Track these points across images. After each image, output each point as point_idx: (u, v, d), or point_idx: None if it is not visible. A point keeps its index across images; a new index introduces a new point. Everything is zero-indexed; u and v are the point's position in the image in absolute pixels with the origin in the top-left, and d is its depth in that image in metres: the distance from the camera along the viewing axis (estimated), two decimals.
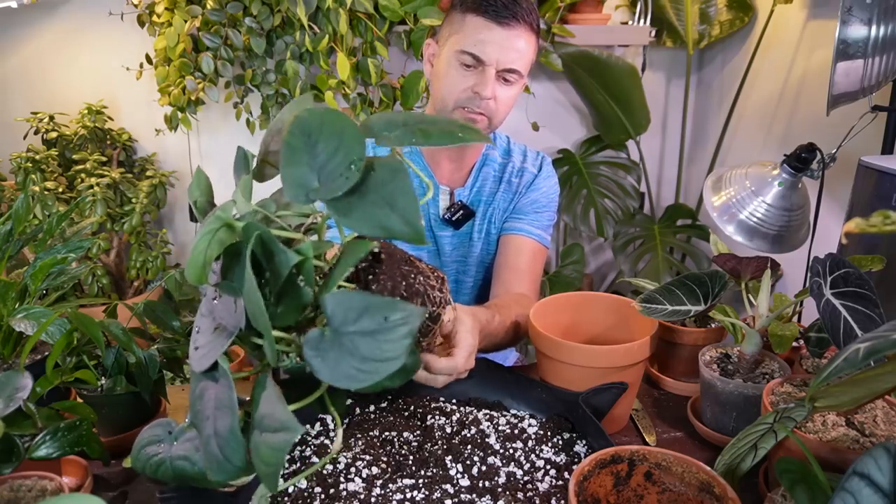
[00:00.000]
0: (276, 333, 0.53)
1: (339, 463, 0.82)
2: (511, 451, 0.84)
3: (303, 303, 0.54)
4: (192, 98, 2.10)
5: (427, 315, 0.67)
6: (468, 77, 1.15)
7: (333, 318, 0.49)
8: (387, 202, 0.50)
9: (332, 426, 0.92)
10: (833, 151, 1.36)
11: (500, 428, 0.89)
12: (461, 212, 1.27)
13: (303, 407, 0.58)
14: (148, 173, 2.27)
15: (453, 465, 0.81)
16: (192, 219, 2.43)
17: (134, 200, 2.16)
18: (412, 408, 0.95)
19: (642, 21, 2.21)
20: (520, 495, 0.76)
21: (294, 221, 0.61)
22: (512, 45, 1.13)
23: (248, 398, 0.55)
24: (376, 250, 0.66)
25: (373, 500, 0.76)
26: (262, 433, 0.50)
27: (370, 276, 0.64)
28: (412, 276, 0.66)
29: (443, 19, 1.24)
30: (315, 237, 0.61)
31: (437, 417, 0.91)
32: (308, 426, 0.92)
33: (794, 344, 1.08)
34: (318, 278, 0.60)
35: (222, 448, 0.51)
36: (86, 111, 2.24)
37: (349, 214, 0.51)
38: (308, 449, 0.87)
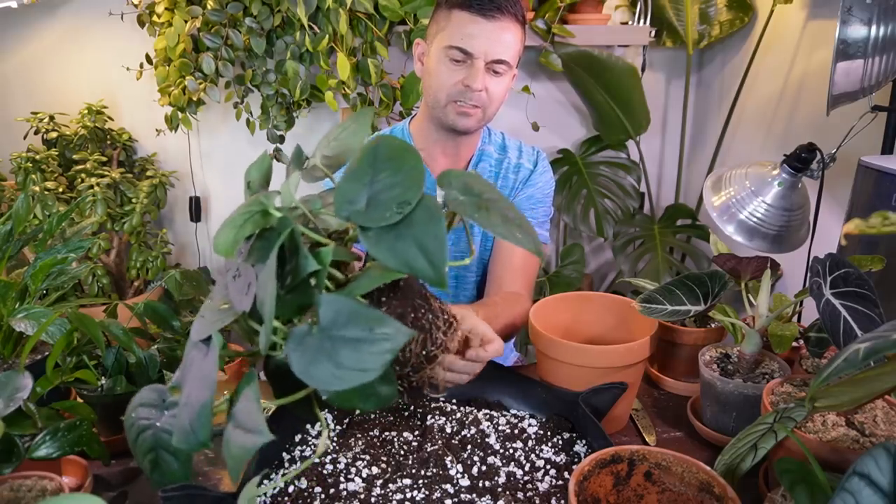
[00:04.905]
0: (274, 323, 0.54)
1: (339, 463, 0.82)
2: (511, 450, 0.84)
3: (309, 302, 0.55)
4: (193, 98, 2.10)
5: (423, 352, 0.67)
6: (458, 71, 1.17)
7: (323, 318, 0.50)
8: (418, 243, 0.51)
9: (331, 426, 0.92)
10: (833, 151, 1.36)
11: (500, 428, 0.89)
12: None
13: (298, 408, 0.58)
14: (148, 173, 2.27)
15: (453, 465, 0.81)
16: (193, 219, 2.43)
17: (134, 200, 2.16)
18: (412, 408, 0.95)
19: (642, 21, 2.21)
20: (520, 495, 0.76)
21: (333, 221, 0.62)
22: (498, 36, 1.15)
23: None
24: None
25: (373, 500, 0.76)
26: (235, 427, 0.51)
27: (383, 298, 0.65)
28: (422, 310, 0.66)
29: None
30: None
31: (437, 417, 0.91)
32: (308, 426, 0.92)
33: (794, 344, 1.08)
34: (330, 283, 0.60)
35: (191, 419, 0.52)
36: (86, 111, 2.24)
37: (378, 245, 0.52)
38: (308, 449, 0.87)
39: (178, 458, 0.57)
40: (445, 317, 0.70)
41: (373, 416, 0.94)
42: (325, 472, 0.81)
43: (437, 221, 0.52)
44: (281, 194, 0.58)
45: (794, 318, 1.22)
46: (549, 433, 0.88)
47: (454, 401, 0.98)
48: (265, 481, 0.81)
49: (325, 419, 0.94)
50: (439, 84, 1.19)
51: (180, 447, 0.53)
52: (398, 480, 0.79)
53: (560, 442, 0.87)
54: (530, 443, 0.86)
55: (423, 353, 0.67)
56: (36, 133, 2.21)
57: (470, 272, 1.36)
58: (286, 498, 0.77)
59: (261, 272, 0.53)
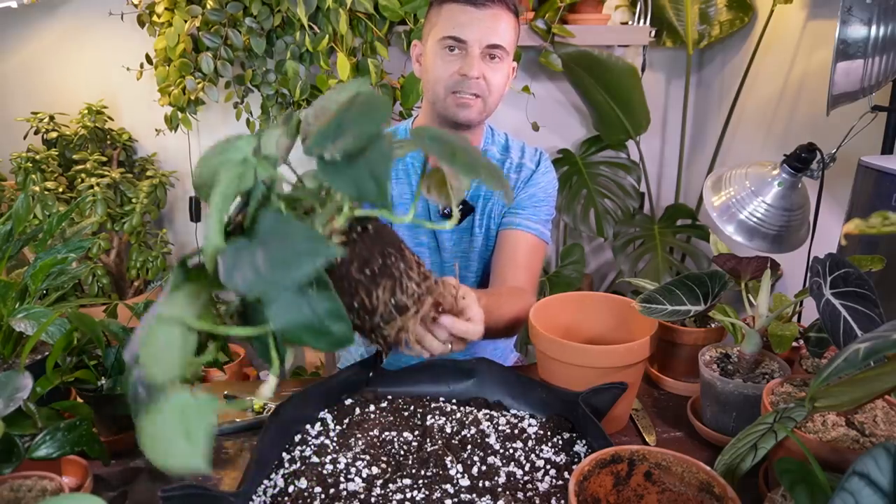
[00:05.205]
0: None
1: (339, 463, 0.82)
2: (511, 451, 0.84)
3: None
4: (193, 98, 2.10)
5: (392, 300, 0.64)
6: (453, 61, 1.18)
7: (259, 230, 0.52)
8: (370, 170, 0.53)
9: (332, 426, 0.92)
10: (833, 151, 1.36)
11: (500, 428, 0.89)
12: (460, 207, 1.28)
13: (260, 348, 0.59)
14: (148, 173, 2.27)
15: (453, 465, 0.81)
16: (193, 219, 2.43)
17: (134, 200, 2.16)
18: (412, 408, 0.95)
19: (642, 21, 2.21)
20: (520, 495, 0.76)
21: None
22: (491, 23, 1.16)
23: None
24: (368, 226, 0.66)
25: (373, 500, 0.76)
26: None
27: (352, 245, 0.64)
28: (392, 258, 0.64)
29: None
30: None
31: (437, 417, 0.91)
32: (308, 426, 0.92)
33: (794, 344, 1.08)
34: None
35: (138, 335, 0.53)
36: (86, 111, 2.24)
37: (335, 175, 0.54)
38: (308, 449, 0.87)
39: None
40: (421, 269, 0.68)
41: (373, 416, 0.94)
42: (325, 472, 0.81)
43: (388, 152, 0.54)
44: (262, 144, 0.59)
45: (794, 318, 1.22)
46: (549, 433, 0.88)
47: (454, 401, 0.98)
48: (265, 481, 0.81)
49: (325, 418, 0.94)
50: (436, 77, 1.19)
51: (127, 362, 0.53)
52: (398, 480, 0.79)
53: (560, 442, 0.87)
54: (530, 443, 0.86)
55: (393, 301, 0.65)
56: (36, 133, 2.21)
57: (471, 271, 1.36)
58: (286, 498, 0.77)
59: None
